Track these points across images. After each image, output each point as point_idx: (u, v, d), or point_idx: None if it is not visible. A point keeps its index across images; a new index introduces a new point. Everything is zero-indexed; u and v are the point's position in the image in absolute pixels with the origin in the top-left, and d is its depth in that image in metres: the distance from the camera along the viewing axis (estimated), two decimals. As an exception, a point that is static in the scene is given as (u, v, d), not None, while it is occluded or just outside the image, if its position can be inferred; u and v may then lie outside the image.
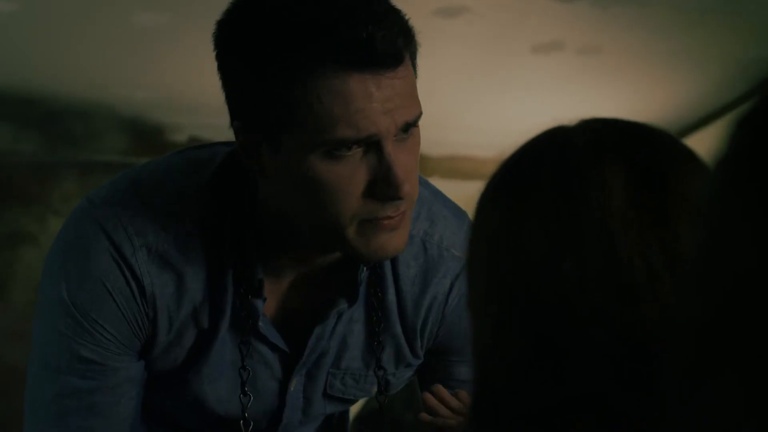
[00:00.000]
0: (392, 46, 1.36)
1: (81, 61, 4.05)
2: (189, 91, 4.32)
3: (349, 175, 1.39)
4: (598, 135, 0.98)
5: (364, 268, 1.57)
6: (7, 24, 3.80)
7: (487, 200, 1.00)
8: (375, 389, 1.67)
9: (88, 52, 4.00)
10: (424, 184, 1.63)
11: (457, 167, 5.18)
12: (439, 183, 1.76)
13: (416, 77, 1.44)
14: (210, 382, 1.59)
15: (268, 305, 1.57)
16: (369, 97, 1.36)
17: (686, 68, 4.17)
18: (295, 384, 1.62)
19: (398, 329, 1.62)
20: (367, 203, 1.41)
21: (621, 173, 0.93)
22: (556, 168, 0.95)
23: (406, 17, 1.42)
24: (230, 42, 1.43)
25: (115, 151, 4.52)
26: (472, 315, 0.99)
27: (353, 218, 1.42)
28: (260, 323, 1.55)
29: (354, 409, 1.97)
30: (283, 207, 1.47)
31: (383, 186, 1.40)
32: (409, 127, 1.41)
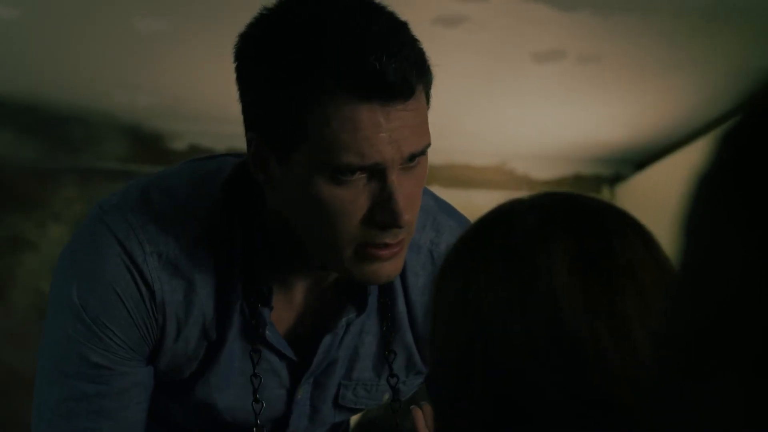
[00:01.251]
0: (404, 79, 1.38)
1: (81, 67, 4.06)
2: (189, 99, 4.32)
3: (351, 200, 1.41)
4: (547, 211, 1.03)
5: None
6: (9, 31, 3.81)
7: (446, 268, 1.06)
8: (386, 397, 1.69)
9: (88, 59, 4.01)
10: (429, 195, 1.66)
11: (456, 175, 5.18)
12: (438, 191, 1.78)
13: (429, 107, 1.46)
14: (219, 391, 1.60)
15: (278, 315, 1.58)
16: (377, 127, 1.38)
17: (687, 77, 4.18)
18: (303, 392, 1.64)
19: (409, 338, 1.64)
20: (366, 229, 1.43)
21: (568, 249, 0.98)
22: (507, 243, 1.01)
23: (422, 49, 1.44)
24: (250, 56, 1.45)
25: (115, 157, 4.53)
26: (434, 374, 1.05)
27: (351, 242, 1.44)
28: (267, 332, 1.57)
29: (354, 417, 1.97)
30: (288, 220, 1.49)
31: (383, 214, 1.41)
32: (415, 157, 1.43)
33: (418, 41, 1.45)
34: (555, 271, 0.97)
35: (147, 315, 1.53)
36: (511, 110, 4.42)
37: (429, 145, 1.45)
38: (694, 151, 4.58)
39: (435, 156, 4.77)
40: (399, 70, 1.37)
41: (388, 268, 1.47)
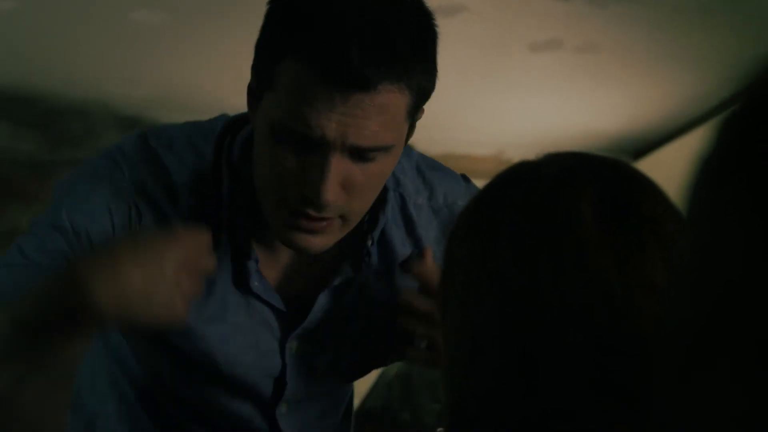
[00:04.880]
0: (365, 72, 1.37)
1: (79, 59, 4.06)
2: (186, 90, 4.32)
3: (286, 161, 1.43)
4: (567, 164, 1.01)
5: (372, 239, 1.62)
6: (6, 23, 3.80)
7: (461, 230, 1.03)
8: (394, 355, 1.70)
9: (86, 51, 4.01)
10: (416, 157, 1.70)
11: (454, 165, 5.18)
12: (436, 181, 1.80)
13: (417, 111, 1.46)
14: (219, 344, 1.61)
15: (269, 268, 1.61)
16: (330, 105, 1.39)
17: (684, 66, 4.18)
18: (296, 347, 1.66)
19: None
20: (292, 193, 1.45)
21: (592, 198, 0.96)
22: (529, 198, 0.98)
23: (419, 53, 1.43)
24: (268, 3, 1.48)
25: (114, 149, 4.53)
26: (446, 334, 1.02)
27: (276, 198, 1.47)
28: (255, 282, 1.59)
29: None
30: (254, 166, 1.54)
31: (308, 186, 1.43)
32: (367, 151, 1.43)
33: (425, 42, 1.44)
34: (581, 222, 0.94)
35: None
36: (508, 100, 4.42)
37: (391, 146, 1.44)
38: (691, 140, 4.57)
39: (432, 146, 4.77)
40: (363, 60, 1.36)
41: (309, 242, 1.48)
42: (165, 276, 1.29)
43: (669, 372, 0.64)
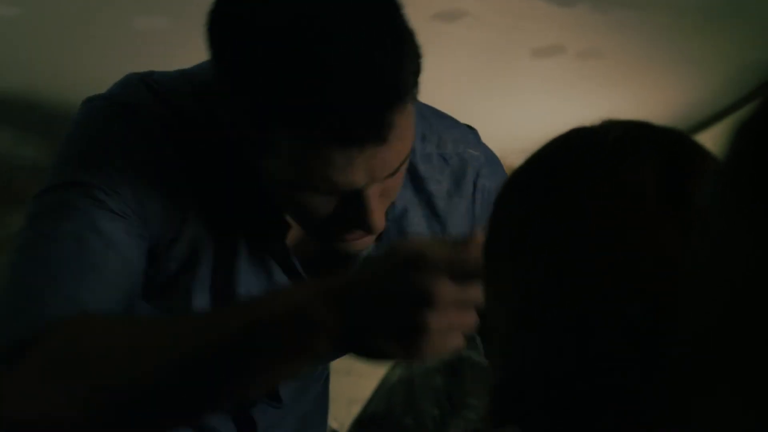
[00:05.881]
0: (378, 126, 1.27)
1: (81, 65, 4.06)
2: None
3: (321, 206, 1.36)
4: (627, 127, 0.96)
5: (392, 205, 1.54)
6: (8, 29, 3.80)
7: (512, 192, 0.97)
8: None
9: (88, 57, 4.01)
10: (419, 105, 1.55)
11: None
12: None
13: (416, 98, 1.36)
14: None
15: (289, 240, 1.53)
16: (350, 161, 1.29)
17: (687, 72, 4.17)
18: None
19: None
20: (336, 225, 1.38)
21: (656, 158, 0.91)
22: (590, 156, 0.93)
23: (408, 58, 1.30)
24: (223, 30, 1.31)
25: (116, 155, 4.52)
26: (492, 304, 0.96)
27: (319, 229, 1.40)
28: (291, 268, 1.52)
29: (353, 412, 1.97)
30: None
31: (356, 224, 1.37)
32: (394, 174, 1.36)
33: (409, 46, 1.31)
34: (643, 188, 0.88)
35: (175, 184, 1.45)
36: (510, 106, 4.41)
37: (408, 155, 1.37)
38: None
39: (435, 152, 4.75)
40: (374, 116, 1.27)
41: (361, 245, 1.43)
42: (437, 308, 1.18)
43: (678, 381, 0.63)
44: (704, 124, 4.52)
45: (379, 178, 1.33)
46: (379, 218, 1.36)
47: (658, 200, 0.89)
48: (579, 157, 0.94)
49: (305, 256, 1.54)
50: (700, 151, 0.94)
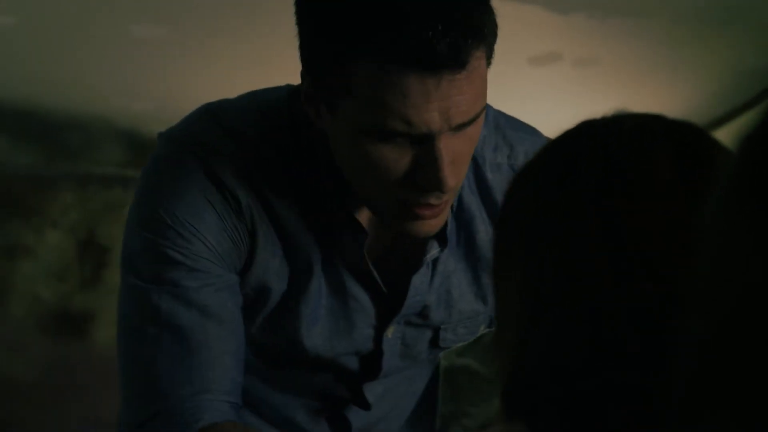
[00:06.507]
0: (456, 50, 1.32)
1: (78, 73, 4.06)
2: (186, 103, 4.31)
3: (395, 159, 1.38)
4: (640, 118, 0.95)
5: (451, 212, 1.56)
6: (6, 37, 3.80)
7: (524, 180, 0.97)
8: (482, 328, 1.66)
9: (85, 65, 4.01)
10: (496, 113, 1.63)
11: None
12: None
13: (491, 64, 1.41)
14: (307, 326, 1.57)
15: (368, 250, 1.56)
16: (426, 95, 1.33)
17: (684, 79, 4.17)
18: (393, 332, 1.62)
19: None
20: (408, 187, 1.40)
21: (670, 147, 0.91)
22: (604, 146, 0.92)
23: (484, 10, 1.37)
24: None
25: (113, 163, 4.52)
26: (502, 295, 0.95)
27: (392, 197, 1.42)
28: (362, 261, 1.54)
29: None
30: (338, 160, 1.47)
31: (427, 178, 1.38)
32: (466, 126, 1.39)
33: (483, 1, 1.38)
34: (660, 175, 0.88)
35: (237, 220, 1.50)
36: (507, 113, 4.41)
37: (482, 111, 1.40)
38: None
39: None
40: (451, 40, 1.31)
41: (429, 225, 1.44)
42: None
43: (679, 394, 0.63)
44: (701, 132, 4.51)
45: (453, 121, 1.36)
46: (450, 175, 1.38)
47: (671, 195, 0.88)
48: (592, 149, 0.93)
49: (380, 266, 1.57)
50: (714, 144, 0.93)
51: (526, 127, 1.67)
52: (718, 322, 0.60)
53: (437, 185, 1.38)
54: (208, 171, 1.49)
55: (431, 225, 1.45)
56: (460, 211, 1.59)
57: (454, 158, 1.39)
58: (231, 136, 1.51)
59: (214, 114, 1.54)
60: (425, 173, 1.38)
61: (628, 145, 0.91)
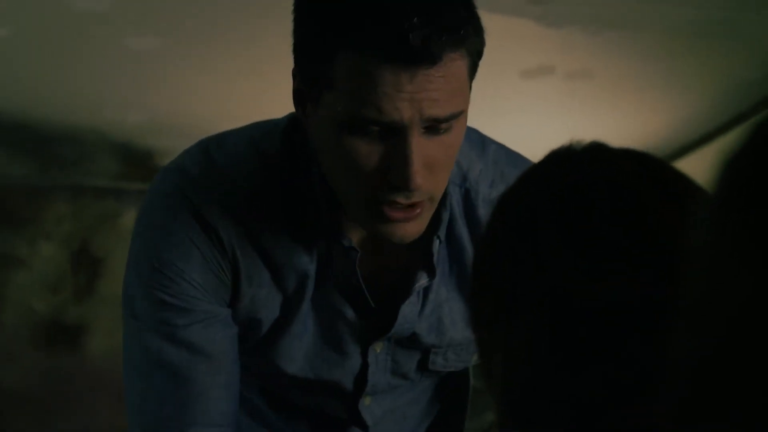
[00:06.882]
0: (429, 45, 1.35)
1: (72, 85, 4.06)
2: (180, 116, 4.32)
3: (366, 153, 1.41)
4: (611, 152, 1.02)
5: (438, 241, 1.58)
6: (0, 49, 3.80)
7: (503, 215, 1.00)
8: (475, 357, 1.68)
9: (79, 77, 4.01)
10: (498, 148, 1.67)
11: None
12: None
13: (476, 70, 1.44)
14: (293, 351, 1.62)
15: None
16: (398, 86, 1.36)
17: (677, 92, 4.18)
18: (381, 348, 1.64)
19: None
20: (378, 184, 1.43)
21: (638, 172, 0.96)
22: (575, 172, 0.97)
23: (468, 14, 1.41)
24: None
25: (107, 174, 4.52)
26: (480, 326, 0.97)
27: (362, 195, 1.44)
28: (354, 276, 1.57)
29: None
30: (319, 158, 1.51)
31: (395, 174, 1.41)
32: (440, 122, 1.42)
33: (468, 4, 1.42)
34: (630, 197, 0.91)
35: (221, 257, 1.55)
36: (499, 126, 4.41)
37: (460, 112, 1.43)
38: (685, 166, 4.57)
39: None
40: (425, 35, 1.35)
41: (403, 229, 1.46)
42: None
43: (674, 413, 0.63)
44: (695, 145, 4.52)
45: (424, 113, 1.38)
46: (419, 173, 1.40)
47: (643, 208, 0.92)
48: (559, 187, 0.97)
49: (370, 283, 1.60)
50: (679, 174, 1.00)
51: (527, 163, 1.68)
52: (713, 346, 0.60)
53: (405, 182, 1.40)
54: (194, 211, 1.55)
55: (406, 229, 1.46)
56: (451, 241, 1.61)
57: (427, 162, 1.42)
58: (222, 174, 1.56)
59: (208, 150, 1.59)
60: (395, 169, 1.40)
61: (598, 173, 0.97)
